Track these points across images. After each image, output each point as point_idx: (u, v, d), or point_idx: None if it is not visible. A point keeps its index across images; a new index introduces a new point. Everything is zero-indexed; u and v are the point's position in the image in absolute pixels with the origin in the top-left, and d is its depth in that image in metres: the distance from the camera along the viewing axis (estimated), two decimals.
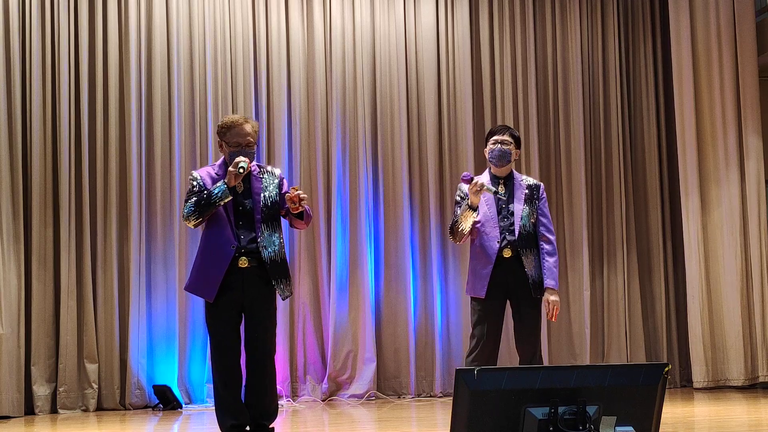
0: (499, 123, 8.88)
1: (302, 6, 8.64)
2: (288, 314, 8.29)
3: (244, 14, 8.45)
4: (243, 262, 4.93)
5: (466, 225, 5.29)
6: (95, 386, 7.76)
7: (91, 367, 7.75)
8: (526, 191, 5.41)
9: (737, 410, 6.92)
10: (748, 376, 8.56)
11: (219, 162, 5.12)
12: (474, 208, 5.26)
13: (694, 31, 8.88)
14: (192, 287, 5.05)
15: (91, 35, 8.06)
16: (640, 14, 9.39)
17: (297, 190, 4.86)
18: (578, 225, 8.99)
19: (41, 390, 7.64)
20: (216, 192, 4.89)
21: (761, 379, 8.54)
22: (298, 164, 8.48)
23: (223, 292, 4.95)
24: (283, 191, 5.09)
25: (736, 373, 8.57)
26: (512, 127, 8.93)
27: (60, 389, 7.68)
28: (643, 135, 9.31)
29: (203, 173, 5.06)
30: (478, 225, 5.34)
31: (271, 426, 5.11)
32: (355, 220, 8.54)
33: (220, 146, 5.09)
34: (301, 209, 4.91)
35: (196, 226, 5.02)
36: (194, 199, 4.93)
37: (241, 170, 4.87)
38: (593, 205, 9.13)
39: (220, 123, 5.11)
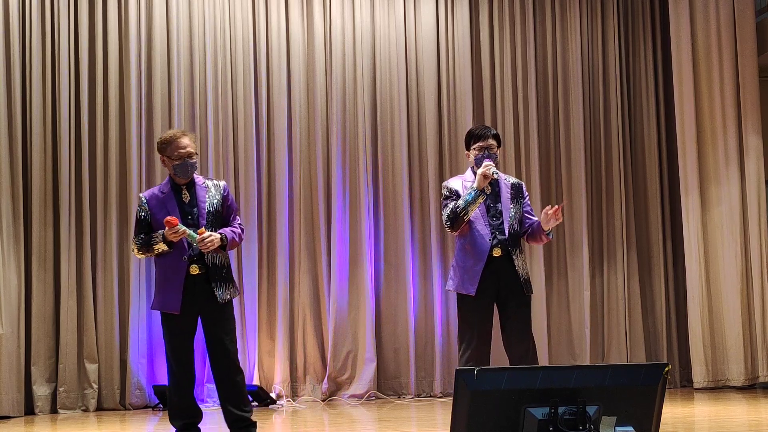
0: (499, 123, 8.88)
1: (302, 6, 8.64)
2: (288, 314, 8.30)
3: (244, 14, 8.45)
4: (194, 269, 5.11)
5: (473, 209, 5.28)
6: (95, 386, 7.76)
7: (91, 367, 7.75)
8: (511, 191, 5.43)
9: (737, 410, 6.91)
10: (748, 376, 8.56)
11: (165, 180, 5.28)
12: (482, 191, 5.27)
13: (694, 31, 8.87)
14: (159, 305, 5.16)
15: (91, 35, 8.06)
16: (640, 14, 9.38)
17: (203, 234, 5.01)
18: (578, 225, 8.99)
19: (41, 390, 7.64)
20: (152, 243, 5.12)
21: (761, 379, 8.53)
22: (298, 164, 8.48)
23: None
24: (229, 202, 5.25)
25: (736, 373, 8.57)
26: (514, 124, 8.96)
27: (60, 389, 7.68)
28: (643, 135, 9.30)
29: (150, 196, 5.23)
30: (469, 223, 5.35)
31: (253, 420, 5.21)
32: (355, 220, 8.53)
33: (163, 162, 5.25)
34: (211, 249, 5.05)
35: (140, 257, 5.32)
36: (141, 240, 5.19)
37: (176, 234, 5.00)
38: (593, 205, 9.13)
39: (158, 140, 5.26)
